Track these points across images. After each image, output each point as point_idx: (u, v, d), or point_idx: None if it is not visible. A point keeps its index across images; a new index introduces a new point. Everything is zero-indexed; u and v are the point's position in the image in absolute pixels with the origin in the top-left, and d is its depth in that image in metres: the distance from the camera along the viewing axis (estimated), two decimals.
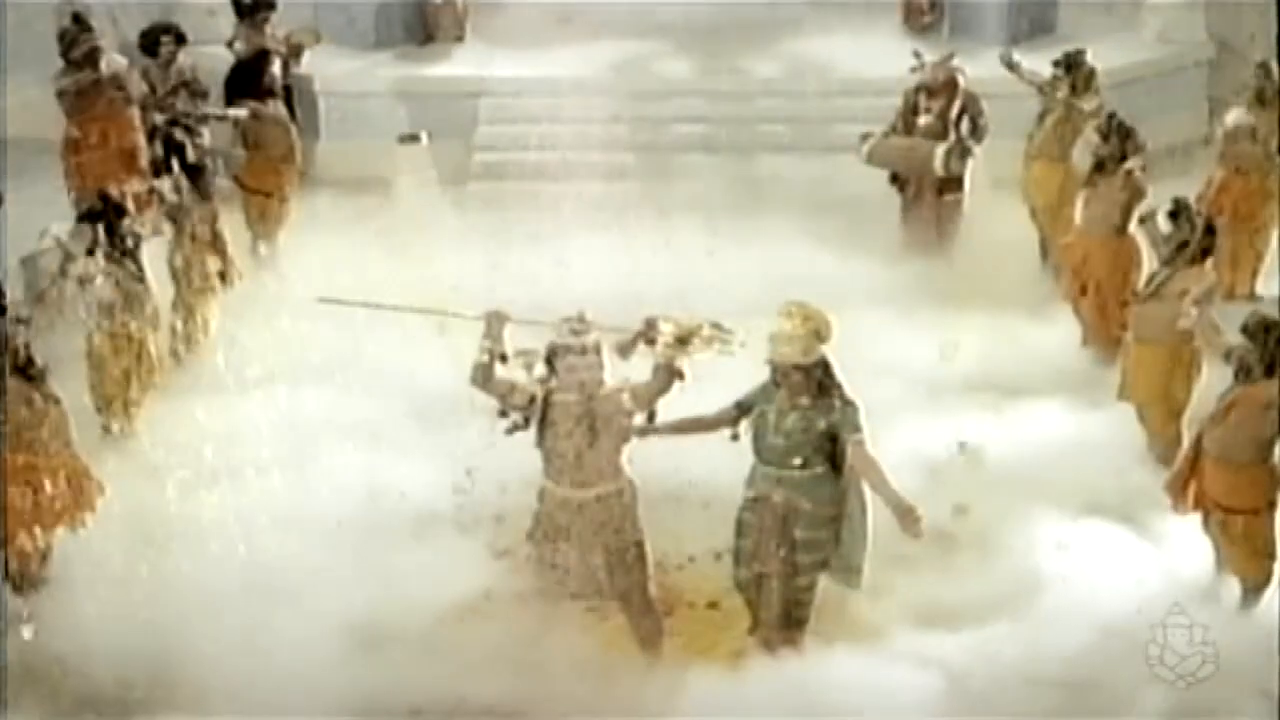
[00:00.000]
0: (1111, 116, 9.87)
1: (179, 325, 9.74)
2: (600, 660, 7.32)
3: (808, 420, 7.05)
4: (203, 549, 7.96)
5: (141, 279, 8.72)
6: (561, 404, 7.14)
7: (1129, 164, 9.53)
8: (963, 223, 11.68)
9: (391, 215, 11.75)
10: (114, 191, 8.69)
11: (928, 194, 11.65)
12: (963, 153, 11.52)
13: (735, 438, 7.20)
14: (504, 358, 7.15)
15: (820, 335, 7.07)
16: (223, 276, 9.85)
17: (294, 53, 12.66)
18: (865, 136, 11.78)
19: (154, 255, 9.72)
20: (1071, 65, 10.87)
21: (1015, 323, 10.50)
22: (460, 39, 14.21)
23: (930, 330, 10.30)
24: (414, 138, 12.61)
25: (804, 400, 7.06)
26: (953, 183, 11.62)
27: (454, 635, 7.55)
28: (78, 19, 10.90)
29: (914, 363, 9.97)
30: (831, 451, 7.14)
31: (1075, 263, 10.06)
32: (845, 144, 12.09)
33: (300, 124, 12.17)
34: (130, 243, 8.60)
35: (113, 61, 10.82)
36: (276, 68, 11.12)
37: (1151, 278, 8.81)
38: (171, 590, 7.65)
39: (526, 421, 7.17)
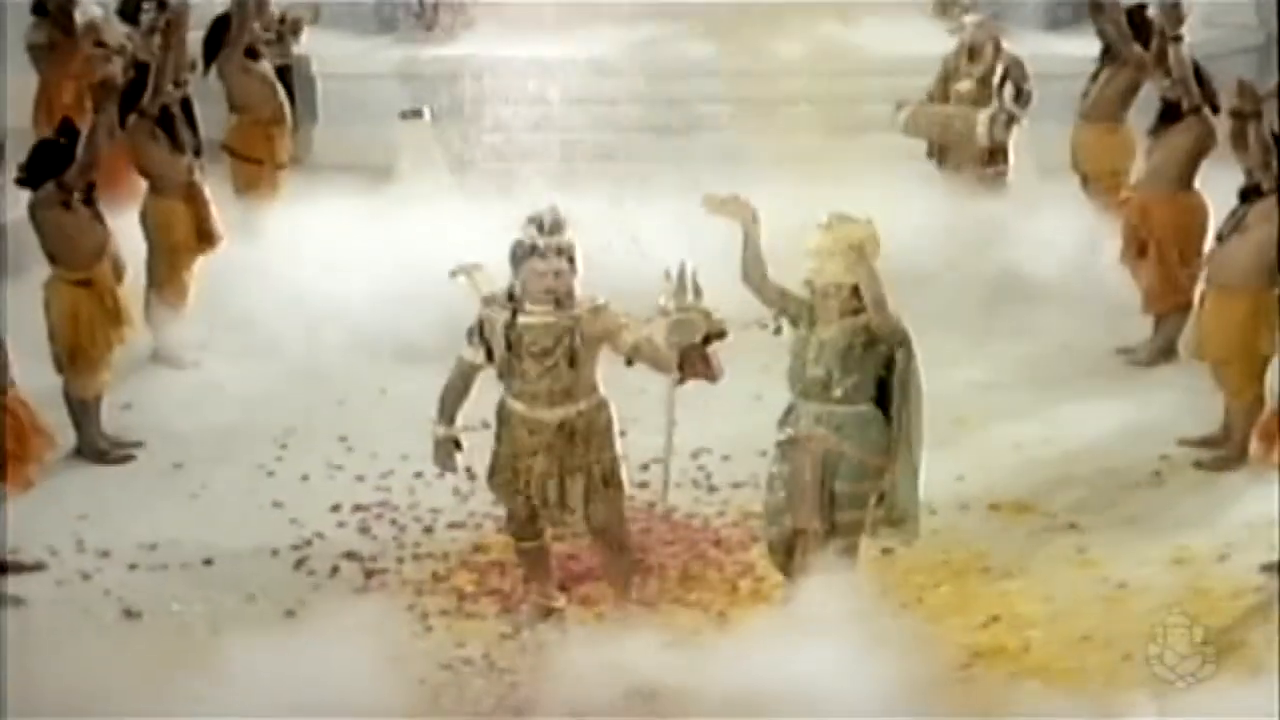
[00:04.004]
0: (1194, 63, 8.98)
1: (153, 288, 8.92)
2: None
3: (851, 343, 6.14)
4: None
5: (99, 220, 7.84)
6: (532, 326, 6.25)
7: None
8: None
9: (393, 192, 10.97)
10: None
11: (969, 166, 10.82)
12: (1008, 120, 10.68)
13: (778, 331, 6.31)
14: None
15: (865, 252, 6.20)
16: (202, 236, 9.01)
17: (292, 30, 11.96)
18: (900, 105, 10.96)
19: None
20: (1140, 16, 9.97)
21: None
22: (468, 25, 13.46)
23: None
24: (416, 113, 11.89)
25: (847, 324, 6.16)
26: (996, 154, 10.81)
27: None
28: None
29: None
30: (879, 391, 6.25)
31: (1134, 220, 9.15)
32: (877, 124, 11.35)
33: (298, 105, 11.44)
34: (82, 184, 7.72)
35: (88, 11, 10.04)
36: (259, 25, 10.28)
37: (1232, 213, 7.91)
38: None
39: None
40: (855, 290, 6.15)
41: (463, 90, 12.53)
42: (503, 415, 6.45)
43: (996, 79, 10.71)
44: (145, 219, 8.92)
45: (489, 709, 6.19)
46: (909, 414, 6.23)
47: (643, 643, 6.29)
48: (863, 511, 6.31)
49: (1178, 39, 8.96)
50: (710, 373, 6.34)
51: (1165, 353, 9.18)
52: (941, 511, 7.36)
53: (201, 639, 6.50)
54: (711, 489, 7.78)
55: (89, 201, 7.75)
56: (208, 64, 10.18)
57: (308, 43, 12.41)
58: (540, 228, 6.23)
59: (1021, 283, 9.86)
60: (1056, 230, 10.09)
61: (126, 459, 8.06)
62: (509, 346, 6.28)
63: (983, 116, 10.63)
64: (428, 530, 7.46)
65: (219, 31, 10.18)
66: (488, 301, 6.36)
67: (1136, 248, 9.19)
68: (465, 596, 6.89)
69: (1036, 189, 10.67)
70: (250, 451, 8.14)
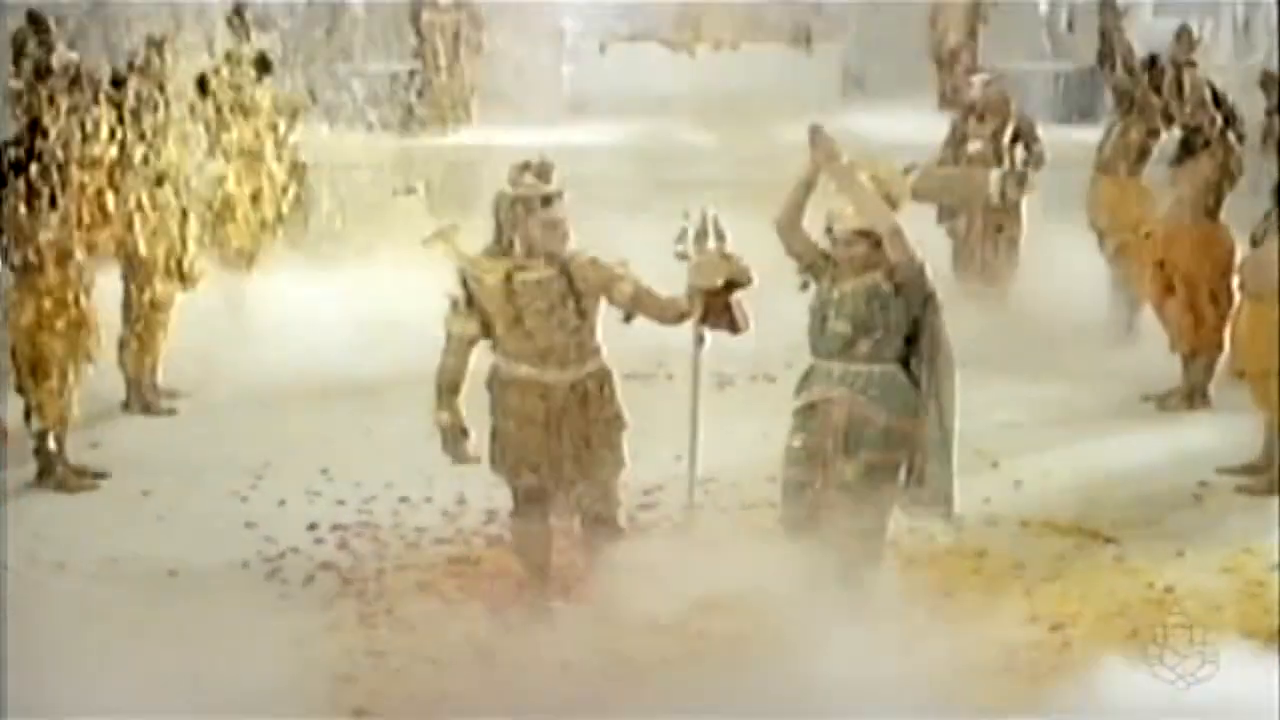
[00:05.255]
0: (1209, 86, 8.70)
1: (129, 329, 8.47)
2: None
3: (873, 295, 5.66)
4: None
5: (64, 220, 7.40)
6: (533, 281, 5.78)
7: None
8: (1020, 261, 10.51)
9: (382, 255, 10.59)
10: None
11: (981, 228, 10.46)
12: (1020, 179, 10.35)
13: (804, 286, 5.85)
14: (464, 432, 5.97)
15: (892, 199, 5.77)
16: (180, 273, 8.58)
17: (286, 114, 11.69)
18: (909, 168, 10.61)
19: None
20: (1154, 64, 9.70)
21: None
22: (464, 121, 13.29)
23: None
24: (410, 190, 11.68)
25: (871, 277, 5.70)
26: (1008, 216, 10.46)
27: None
28: (34, 19, 9.93)
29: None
30: (906, 351, 5.75)
31: (1158, 255, 8.74)
32: None
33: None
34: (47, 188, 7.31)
35: (63, 55, 9.73)
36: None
37: (1265, 216, 7.49)
38: None
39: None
40: (876, 240, 5.71)
41: (458, 176, 12.29)
42: (502, 385, 5.92)
43: (1007, 138, 10.43)
44: (121, 253, 8.51)
45: (475, 702, 5.58)
46: (937, 373, 5.72)
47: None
48: (891, 486, 5.75)
49: (1191, 64, 8.70)
50: (734, 321, 5.83)
51: (1195, 398, 8.71)
52: (968, 529, 6.81)
53: (157, 641, 5.88)
54: (721, 510, 7.24)
55: (54, 205, 7.32)
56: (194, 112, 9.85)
57: (301, 135, 12.21)
58: (539, 175, 5.81)
59: (1044, 330, 9.48)
60: (1077, 278, 9.78)
61: (90, 488, 7.53)
62: (512, 308, 5.81)
63: (995, 174, 10.30)
64: (412, 546, 6.89)
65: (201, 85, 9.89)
66: (474, 264, 5.90)
67: (1162, 285, 8.77)
68: (451, 602, 6.30)
69: (1052, 243, 10.32)
70: (224, 481, 7.61)
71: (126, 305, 8.50)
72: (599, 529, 5.96)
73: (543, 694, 5.53)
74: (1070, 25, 15.98)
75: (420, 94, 13.37)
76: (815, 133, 5.85)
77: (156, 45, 9.04)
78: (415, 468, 7.54)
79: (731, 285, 5.81)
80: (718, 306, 5.80)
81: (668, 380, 8.33)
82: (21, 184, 7.19)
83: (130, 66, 8.95)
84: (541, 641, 5.84)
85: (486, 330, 5.92)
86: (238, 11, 11.11)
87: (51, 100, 8.11)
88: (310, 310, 9.47)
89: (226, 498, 7.41)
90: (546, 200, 5.79)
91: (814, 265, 5.83)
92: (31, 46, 9.75)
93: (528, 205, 5.78)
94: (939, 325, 5.76)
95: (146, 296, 8.50)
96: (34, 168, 7.24)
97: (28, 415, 7.46)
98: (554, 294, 5.79)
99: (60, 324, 7.33)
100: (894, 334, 5.71)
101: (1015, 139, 10.43)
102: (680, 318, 5.87)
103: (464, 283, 5.90)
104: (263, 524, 7.08)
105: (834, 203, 5.82)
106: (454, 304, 5.92)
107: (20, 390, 7.41)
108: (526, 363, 5.85)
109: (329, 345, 9.12)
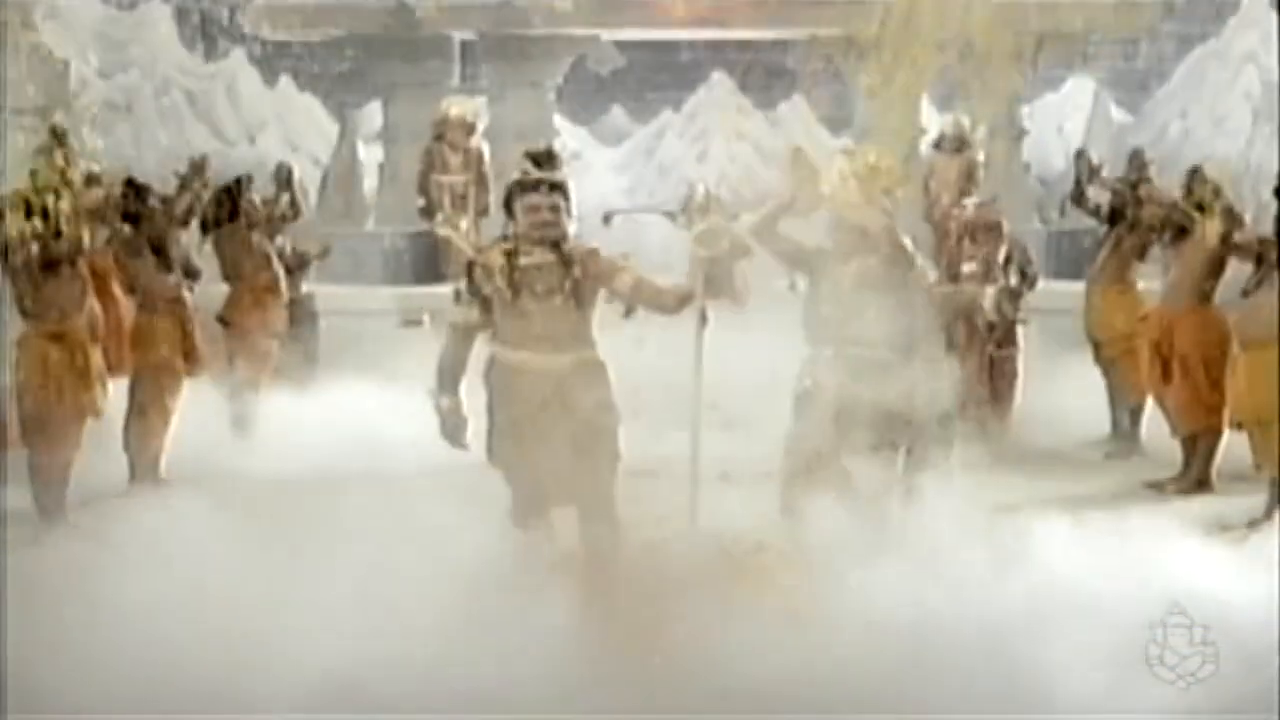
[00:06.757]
0: (1194, 171, 8.98)
1: (135, 414, 8.54)
2: None
3: (865, 282, 5.79)
4: None
5: (78, 277, 7.53)
6: (533, 266, 5.94)
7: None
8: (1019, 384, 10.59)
9: (394, 386, 10.69)
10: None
11: (979, 348, 10.57)
12: (1014, 295, 10.51)
13: (793, 286, 5.98)
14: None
15: (888, 188, 5.94)
16: (187, 356, 8.70)
17: (299, 263, 11.92)
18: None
19: None
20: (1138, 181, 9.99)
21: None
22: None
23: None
24: (416, 322, 11.88)
25: (861, 262, 5.82)
26: (1006, 336, 10.59)
27: None
28: (56, 133, 10.20)
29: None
30: (901, 336, 5.84)
31: (1155, 336, 8.88)
32: None
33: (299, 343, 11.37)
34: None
35: (84, 167, 9.95)
36: (259, 200, 10.29)
37: (1254, 270, 7.68)
38: None
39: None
40: (868, 229, 5.86)
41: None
42: (500, 373, 6.04)
43: (1000, 259, 10.61)
44: (132, 338, 8.65)
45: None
46: (931, 358, 5.81)
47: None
48: (888, 472, 5.78)
49: (1147, 180, 9.09)
50: (735, 291, 5.93)
51: (1199, 484, 8.72)
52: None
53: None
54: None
55: (72, 262, 7.49)
56: (206, 232, 10.08)
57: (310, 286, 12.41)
58: (537, 161, 5.99)
59: (1047, 444, 9.54)
60: (1078, 399, 9.93)
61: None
62: (511, 290, 5.93)
63: (990, 291, 10.45)
64: None
65: (218, 204, 10.14)
66: (478, 248, 6.09)
67: (1160, 369, 8.88)
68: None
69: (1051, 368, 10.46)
70: (224, 548, 7.55)
71: (134, 390, 8.59)
72: (597, 521, 5.96)
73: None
74: (1063, 212, 16.38)
75: (428, 254, 13.60)
76: (796, 154, 6.04)
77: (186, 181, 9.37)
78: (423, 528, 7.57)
79: (733, 253, 5.93)
80: (720, 277, 5.91)
81: (669, 480, 8.37)
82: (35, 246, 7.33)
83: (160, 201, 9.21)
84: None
85: (487, 320, 6.03)
86: (284, 174, 11.46)
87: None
88: (312, 421, 9.56)
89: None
90: (534, 185, 5.96)
91: (802, 260, 5.96)
92: (56, 157, 10.01)
93: (517, 189, 5.99)
94: (932, 311, 5.86)
95: (153, 379, 8.59)
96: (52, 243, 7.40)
97: (31, 469, 7.50)
98: (552, 279, 5.95)
99: (65, 369, 7.42)
100: (885, 319, 5.82)
101: (1008, 260, 10.62)
102: (682, 303, 5.98)
103: (469, 272, 6.04)
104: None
105: (829, 189, 5.97)
106: (457, 294, 6.07)
107: (25, 442, 7.46)
108: (523, 348, 5.99)
109: (331, 453, 9.15)
